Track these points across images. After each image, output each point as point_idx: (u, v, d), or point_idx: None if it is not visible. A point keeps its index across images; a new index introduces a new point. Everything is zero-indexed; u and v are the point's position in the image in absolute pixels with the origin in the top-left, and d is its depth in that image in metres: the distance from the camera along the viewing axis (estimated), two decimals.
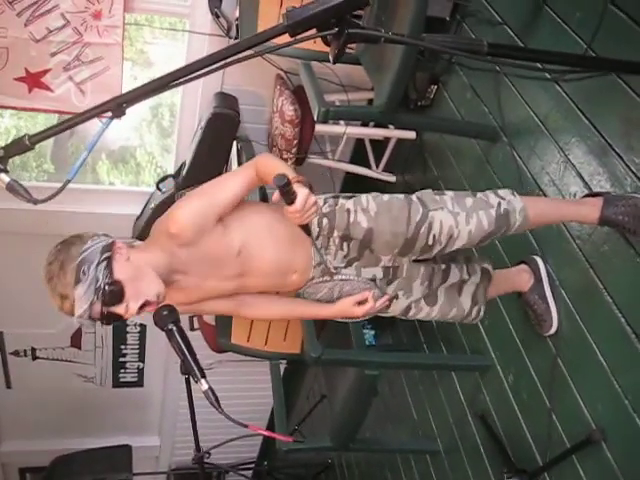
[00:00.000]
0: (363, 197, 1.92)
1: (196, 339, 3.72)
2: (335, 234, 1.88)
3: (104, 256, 1.58)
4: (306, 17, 1.26)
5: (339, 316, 2.01)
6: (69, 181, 1.36)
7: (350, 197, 1.92)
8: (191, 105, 3.73)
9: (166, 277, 1.71)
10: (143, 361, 5.22)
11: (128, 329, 4.96)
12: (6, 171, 1.36)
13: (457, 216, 1.88)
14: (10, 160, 1.40)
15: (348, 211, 1.88)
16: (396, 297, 2.05)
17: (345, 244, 1.90)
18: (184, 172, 3.59)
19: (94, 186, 4.39)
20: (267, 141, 3.80)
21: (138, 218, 3.88)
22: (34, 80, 3.28)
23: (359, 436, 2.96)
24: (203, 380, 1.64)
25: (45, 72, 3.27)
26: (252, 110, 3.72)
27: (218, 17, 3.29)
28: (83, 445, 4.62)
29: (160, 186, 3.75)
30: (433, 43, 1.33)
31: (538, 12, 2.53)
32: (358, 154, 3.90)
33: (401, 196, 1.93)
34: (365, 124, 3.60)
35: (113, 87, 3.34)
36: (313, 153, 3.59)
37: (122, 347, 5.07)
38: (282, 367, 4.19)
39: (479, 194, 1.97)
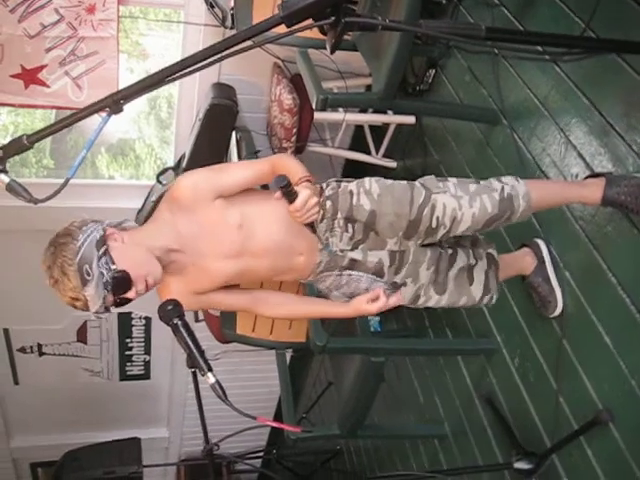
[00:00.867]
0: (366, 180, 1.93)
1: (201, 330, 3.73)
2: (339, 215, 1.90)
3: (101, 251, 1.60)
4: (302, 7, 1.25)
5: (355, 314, 2.02)
6: (69, 180, 1.36)
7: (353, 181, 1.95)
8: (189, 96, 3.71)
9: (164, 255, 1.74)
10: (149, 353, 5.24)
11: (133, 322, 4.97)
12: (5, 171, 1.36)
13: (460, 199, 1.89)
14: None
15: (351, 193, 1.89)
16: (404, 284, 2.05)
17: (350, 225, 1.91)
18: (184, 164, 3.58)
19: (95, 181, 4.39)
20: (266, 130, 3.79)
21: (139, 211, 3.87)
22: (30, 76, 3.27)
23: (367, 422, 2.97)
24: (210, 373, 1.64)
25: (41, 68, 3.26)
26: (250, 100, 3.71)
27: (213, 7, 3.27)
28: (93, 439, 4.62)
29: (160, 178, 3.74)
30: (430, 29, 1.32)
31: None
32: (358, 141, 3.88)
33: (404, 182, 1.94)
34: (364, 110, 3.58)
35: (110, 81, 3.33)
36: (313, 141, 3.58)
37: (128, 340, 5.08)
38: (288, 356, 4.20)
39: (482, 181, 1.98)
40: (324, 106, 2.62)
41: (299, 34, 1.40)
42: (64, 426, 5.28)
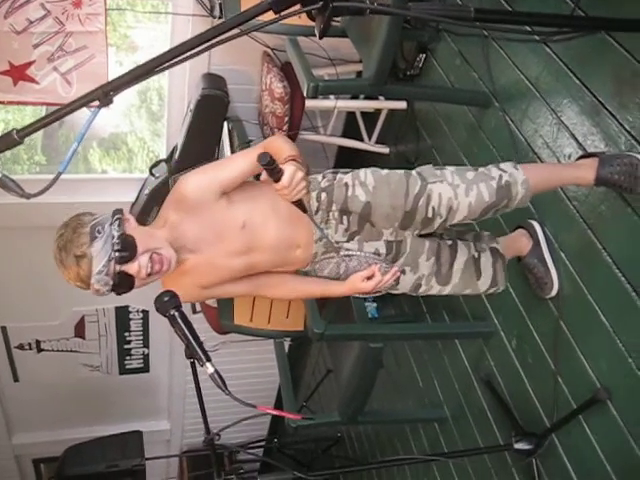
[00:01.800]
0: (362, 171, 1.93)
1: (199, 322, 3.73)
2: (334, 208, 1.90)
3: (116, 217, 1.64)
4: None
5: (350, 293, 2.02)
6: (60, 174, 1.36)
7: (349, 172, 1.94)
8: (179, 88, 3.70)
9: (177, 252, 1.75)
10: (148, 347, 5.25)
11: (131, 316, 4.97)
12: None
13: (456, 188, 1.88)
14: (1, 154, 1.39)
15: (346, 185, 1.90)
16: (403, 272, 2.05)
17: (345, 217, 1.92)
18: (176, 156, 3.58)
19: (87, 175, 4.38)
20: (258, 120, 3.78)
21: (133, 205, 3.86)
22: (18, 73, 3.24)
23: (367, 408, 2.98)
24: (208, 364, 1.64)
25: (29, 64, 3.23)
26: (241, 89, 3.69)
27: None
28: (94, 433, 4.64)
29: (153, 171, 3.73)
30: (420, 12, 1.31)
31: None
32: (350, 127, 3.87)
33: (400, 171, 1.94)
34: (355, 97, 3.57)
35: (99, 75, 3.30)
36: (305, 129, 3.57)
37: (126, 334, 5.08)
38: (286, 344, 4.21)
39: (481, 168, 1.97)
40: (315, 94, 2.61)
41: (288, 21, 1.40)
42: (65, 421, 5.28)
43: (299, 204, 1.67)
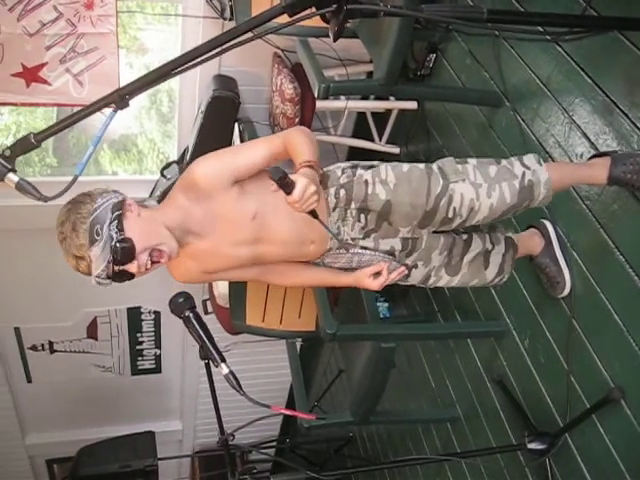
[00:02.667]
0: (382, 167, 1.89)
1: (210, 322, 3.73)
2: (352, 206, 1.87)
3: (115, 214, 1.60)
4: None
5: (355, 285, 2.00)
6: (77, 177, 1.37)
7: (369, 167, 1.90)
8: (190, 89, 3.71)
9: (180, 237, 1.73)
10: (160, 347, 5.27)
11: (143, 317, 5.00)
12: (14, 170, 1.37)
13: (479, 188, 1.86)
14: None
15: (366, 182, 1.86)
16: (415, 266, 2.05)
17: (362, 216, 1.89)
18: (188, 157, 3.59)
19: (98, 177, 4.39)
20: (269, 121, 3.79)
21: None
22: (31, 74, 3.27)
23: (379, 408, 2.98)
24: (223, 364, 1.66)
25: (42, 66, 3.25)
26: (251, 91, 3.70)
27: None
28: (107, 434, 4.65)
29: (165, 173, 3.74)
30: (432, 14, 1.31)
31: None
32: (360, 128, 3.88)
33: (421, 165, 1.90)
34: (366, 97, 3.58)
35: (110, 76, 3.32)
36: (315, 130, 3.58)
37: (138, 335, 5.11)
38: (297, 345, 4.22)
39: (504, 161, 1.94)
40: (326, 94, 2.62)
41: (299, 23, 1.40)
42: (78, 422, 5.31)
43: (311, 213, 1.62)
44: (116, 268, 1.61)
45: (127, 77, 3.47)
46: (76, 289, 4.34)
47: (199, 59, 1.30)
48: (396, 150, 3.58)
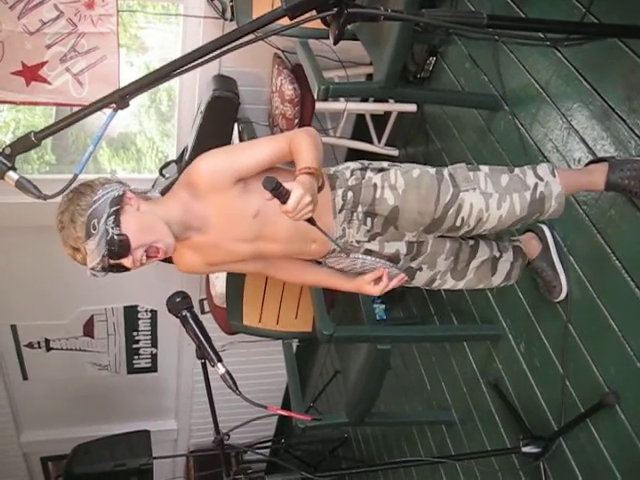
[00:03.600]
0: (392, 172, 1.86)
1: (207, 322, 3.73)
2: (359, 209, 1.86)
3: (112, 209, 1.61)
4: None
5: (356, 291, 2.00)
6: (77, 176, 1.37)
7: (379, 170, 1.88)
8: (190, 89, 3.71)
9: (179, 232, 1.73)
10: (156, 346, 5.26)
11: (139, 315, 5.00)
12: (14, 169, 1.37)
13: (489, 199, 1.84)
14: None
15: (375, 186, 1.84)
16: (420, 269, 2.05)
17: (369, 219, 1.88)
18: (187, 157, 3.59)
19: (97, 175, 4.38)
20: (268, 121, 3.79)
21: None
22: (31, 73, 3.27)
23: (374, 410, 2.98)
24: (220, 364, 1.66)
25: (42, 65, 3.25)
26: (251, 91, 3.71)
27: None
28: (102, 432, 4.66)
29: (163, 172, 3.74)
30: (433, 18, 1.32)
31: None
32: (360, 130, 3.88)
33: (432, 171, 1.88)
34: (365, 99, 3.59)
35: (110, 76, 3.32)
36: None
37: (134, 334, 5.11)
38: (294, 345, 4.22)
39: (516, 170, 1.92)
40: (326, 96, 2.63)
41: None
42: (73, 420, 5.30)
43: (307, 220, 1.59)
44: (111, 261, 1.63)
45: (127, 76, 3.47)
46: (73, 287, 4.36)
47: (200, 60, 1.31)
48: (395, 152, 3.59)
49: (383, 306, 3.75)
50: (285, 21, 1.32)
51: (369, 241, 1.93)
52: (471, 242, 2.10)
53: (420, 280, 2.09)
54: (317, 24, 1.46)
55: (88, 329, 4.92)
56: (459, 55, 3.05)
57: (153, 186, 3.89)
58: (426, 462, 2.96)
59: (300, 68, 3.12)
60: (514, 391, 2.69)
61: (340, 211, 1.86)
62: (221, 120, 3.44)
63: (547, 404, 2.48)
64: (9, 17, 3.09)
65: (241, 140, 3.42)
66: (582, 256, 2.31)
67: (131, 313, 4.97)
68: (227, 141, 3.51)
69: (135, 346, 5.21)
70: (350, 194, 1.85)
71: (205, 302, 4.22)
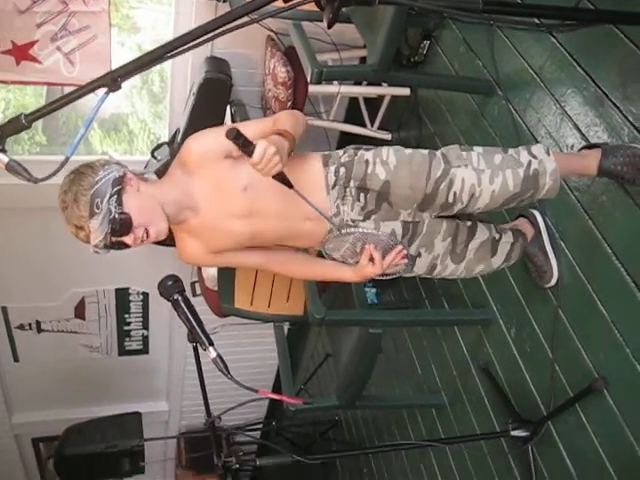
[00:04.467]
0: (384, 149, 1.90)
1: (198, 304, 3.73)
2: (352, 184, 1.88)
3: (115, 189, 1.67)
4: None
5: (360, 279, 1.99)
6: (68, 158, 1.37)
7: (372, 149, 1.91)
8: (182, 70, 3.69)
9: (175, 213, 1.79)
10: (147, 328, 5.26)
11: (131, 298, 4.99)
12: (4, 151, 1.36)
13: (481, 174, 1.85)
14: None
15: (367, 162, 1.87)
16: (419, 255, 2.04)
17: (362, 195, 1.89)
18: (179, 139, 3.57)
19: (88, 157, 4.33)
20: (261, 104, 3.77)
21: None
22: (21, 52, 3.23)
23: (365, 393, 3.00)
24: (211, 348, 1.67)
25: (32, 44, 3.22)
26: (244, 73, 3.69)
27: None
28: (94, 414, 4.66)
29: (155, 154, 3.72)
30: (428, 3, 1.31)
31: None
32: (352, 113, 3.87)
33: (425, 151, 1.90)
34: (358, 83, 3.57)
35: (102, 56, 3.30)
36: (307, 114, 3.56)
37: (126, 316, 5.10)
38: (285, 328, 4.23)
39: (510, 150, 1.93)
40: (319, 79, 2.61)
41: None
42: (65, 402, 5.31)
43: (282, 180, 1.62)
44: (113, 239, 1.69)
45: (119, 56, 3.44)
46: (64, 269, 4.35)
47: (193, 43, 1.29)
48: (388, 136, 3.58)
49: (374, 290, 3.75)
50: (279, 3, 1.31)
51: (364, 220, 1.93)
52: (469, 223, 2.10)
53: (421, 267, 2.08)
54: (311, 6, 1.45)
55: (79, 311, 4.91)
56: (453, 39, 3.03)
57: (145, 168, 3.87)
58: (416, 445, 2.98)
59: (293, 50, 3.10)
60: (504, 375, 2.70)
61: (333, 187, 1.88)
62: (213, 102, 3.42)
63: (536, 389, 2.50)
64: None
65: (233, 122, 3.40)
66: (573, 242, 2.32)
67: (123, 295, 4.96)
68: (220, 123, 3.48)
69: (126, 328, 5.21)
70: (342, 170, 1.88)
71: (197, 285, 4.21)
